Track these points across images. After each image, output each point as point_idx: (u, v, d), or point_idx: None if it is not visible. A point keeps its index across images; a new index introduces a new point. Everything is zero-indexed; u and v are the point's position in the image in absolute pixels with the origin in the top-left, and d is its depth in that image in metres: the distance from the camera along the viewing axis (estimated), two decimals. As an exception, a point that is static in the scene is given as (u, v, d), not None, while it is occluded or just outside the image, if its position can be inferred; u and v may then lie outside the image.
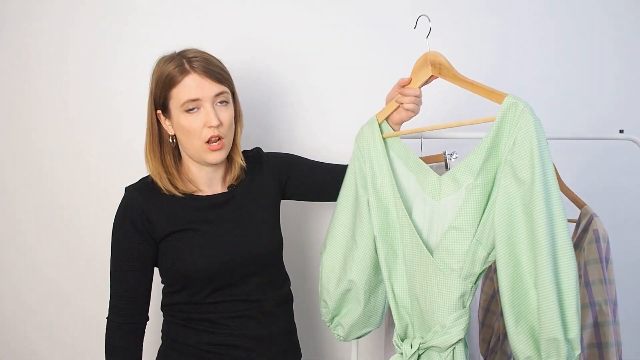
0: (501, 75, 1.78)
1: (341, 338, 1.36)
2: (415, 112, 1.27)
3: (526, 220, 1.06)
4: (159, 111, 1.30)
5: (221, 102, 1.27)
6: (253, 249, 1.32)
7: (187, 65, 1.25)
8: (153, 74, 1.29)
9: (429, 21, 1.24)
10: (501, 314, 1.54)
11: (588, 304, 1.32)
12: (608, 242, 1.34)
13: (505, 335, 1.54)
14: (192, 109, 1.25)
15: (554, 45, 1.83)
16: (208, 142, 1.26)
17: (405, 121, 1.29)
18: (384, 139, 1.28)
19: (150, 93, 1.30)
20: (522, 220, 1.06)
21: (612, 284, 1.33)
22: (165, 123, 1.30)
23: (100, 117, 1.78)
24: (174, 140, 1.31)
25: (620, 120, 1.69)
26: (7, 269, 1.84)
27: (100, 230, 1.78)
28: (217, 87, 1.26)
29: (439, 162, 1.52)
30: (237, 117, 1.34)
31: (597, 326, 1.31)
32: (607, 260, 1.33)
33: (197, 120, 1.25)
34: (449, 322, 1.16)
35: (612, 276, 1.33)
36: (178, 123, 1.26)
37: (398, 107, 1.27)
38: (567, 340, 1.02)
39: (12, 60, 1.78)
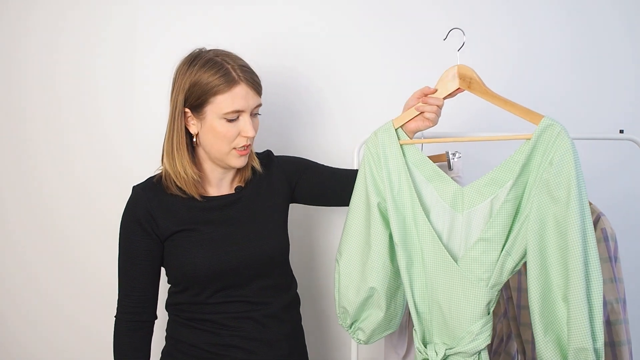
0: (501, 75, 1.79)
1: (361, 342, 1.35)
2: (434, 122, 1.26)
3: (558, 237, 1.10)
4: (186, 109, 1.28)
5: (256, 113, 1.30)
6: (257, 251, 1.31)
7: (234, 74, 1.24)
8: (187, 72, 1.27)
9: (464, 35, 1.25)
10: (503, 315, 1.55)
11: (600, 303, 1.32)
12: (616, 241, 1.34)
13: (509, 337, 1.55)
14: (233, 119, 1.25)
15: (553, 45, 1.85)
16: (238, 149, 1.28)
17: (421, 131, 1.29)
18: (400, 145, 1.27)
19: (180, 90, 1.27)
20: (554, 236, 1.11)
21: (621, 282, 1.33)
22: (191, 122, 1.29)
23: (93, 122, 1.77)
24: (196, 140, 1.31)
25: (620, 120, 1.70)
26: (1, 275, 1.82)
27: (93, 236, 1.79)
28: (257, 100, 1.29)
29: (442, 162, 1.51)
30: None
31: (610, 325, 1.31)
32: (616, 259, 1.34)
33: (234, 129, 1.26)
34: (477, 329, 1.18)
35: (621, 274, 1.34)
36: (212, 127, 1.26)
37: (417, 115, 1.26)
38: (595, 350, 1.07)
39: (2, 63, 1.76)
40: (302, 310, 1.46)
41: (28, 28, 1.75)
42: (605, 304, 1.32)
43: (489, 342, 1.19)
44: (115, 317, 1.32)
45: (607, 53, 1.85)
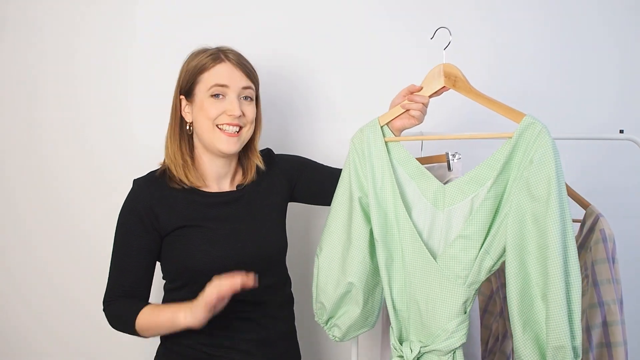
0: (501, 76, 1.79)
1: (337, 339, 1.36)
2: (419, 120, 1.28)
3: (537, 235, 1.10)
4: (181, 96, 1.32)
5: (246, 97, 1.32)
6: (259, 250, 1.32)
7: (221, 55, 1.29)
8: (185, 62, 1.33)
9: (450, 34, 1.26)
10: (499, 314, 1.56)
11: (597, 303, 1.32)
12: (614, 242, 1.34)
13: (504, 336, 1.55)
14: (218, 95, 1.28)
15: (554, 45, 1.85)
16: (221, 128, 1.28)
17: (407, 128, 1.30)
18: (385, 142, 1.28)
19: (179, 79, 1.33)
20: (533, 234, 1.11)
21: (619, 283, 1.33)
22: (185, 110, 1.32)
23: (106, 115, 1.78)
24: (191, 128, 1.33)
25: (620, 120, 1.70)
26: (10, 268, 1.83)
27: (103, 229, 1.76)
28: (245, 81, 1.31)
29: (441, 163, 1.51)
30: (257, 120, 1.36)
31: (606, 326, 1.31)
32: (614, 259, 1.34)
33: (219, 106, 1.29)
34: (452, 327, 1.18)
35: (618, 275, 1.34)
36: (200, 106, 1.29)
37: (403, 112, 1.27)
38: (573, 348, 1.07)
39: (16, 57, 1.77)
40: (298, 309, 1.47)
41: (42, 27, 1.77)
42: (602, 304, 1.32)
43: (464, 341, 1.19)
44: (103, 311, 1.30)
45: (608, 53, 1.85)
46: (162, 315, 1.21)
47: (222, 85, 1.28)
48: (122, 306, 1.28)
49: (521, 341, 1.12)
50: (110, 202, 1.74)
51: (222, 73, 1.28)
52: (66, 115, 1.78)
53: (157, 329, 1.25)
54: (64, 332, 1.84)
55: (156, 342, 1.38)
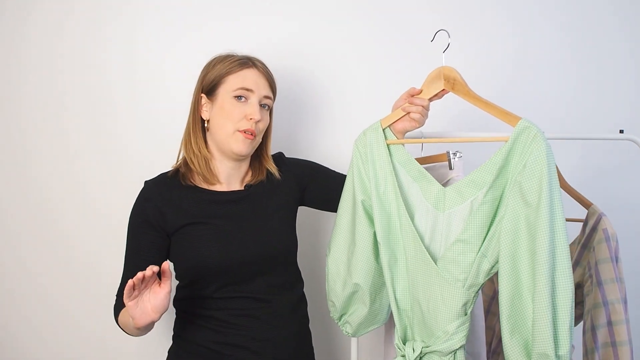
0: (501, 76, 1.79)
1: (349, 334, 1.40)
2: (420, 123, 1.29)
3: (529, 240, 1.11)
4: (202, 94, 1.35)
5: (264, 105, 1.36)
6: (262, 248, 1.32)
7: (249, 62, 1.35)
8: (210, 63, 1.37)
9: (449, 37, 1.27)
10: (502, 315, 1.55)
11: (601, 303, 1.33)
12: (617, 241, 1.34)
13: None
14: (241, 97, 1.32)
15: (553, 45, 1.85)
16: (241, 131, 1.31)
17: (409, 131, 1.31)
18: (387, 145, 1.29)
19: (201, 78, 1.36)
20: (525, 239, 1.11)
21: (623, 282, 1.33)
22: (203, 108, 1.36)
23: (95, 121, 1.76)
24: (206, 126, 1.36)
25: (620, 120, 1.71)
26: (2, 277, 1.80)
27: (95, 238, 1.77)
28: (268, 90, 1.36)
29: (443, 162, 1.51)
30: (268, 130, 1.41)
31: (611, 325, 1.31)
32: (617, 259, 1.34)
33: (241, 109, 1.32)
34: (452, 329, 1.19)
35: (622, 274, 1.34)
36: (221, 106, 1.32)
37: (404, 115, 1.28)
38: (557, 357, 1.07)
39: (2, 59, 1.75)
40: (308, 311, 1.46)
41: (31, 25, 1.74)
42: (606, 303, 1.32)
43: (464, 342, 1.20)
44: (114, 306, 1.31)
45: (607, 53, 1.86)
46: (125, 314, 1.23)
47: (247, 89, 1.32)
48: (121, 303, 1.30)
49: (509, 345, 1.13)
50: (104, 210, 1.75)
51: (249, 78, 1.32)
52: (52, 122, 1.75)
53: (128, 328, 1.25)
54: (63, 342, 1.80)
55: (167, 342, 1.39)
